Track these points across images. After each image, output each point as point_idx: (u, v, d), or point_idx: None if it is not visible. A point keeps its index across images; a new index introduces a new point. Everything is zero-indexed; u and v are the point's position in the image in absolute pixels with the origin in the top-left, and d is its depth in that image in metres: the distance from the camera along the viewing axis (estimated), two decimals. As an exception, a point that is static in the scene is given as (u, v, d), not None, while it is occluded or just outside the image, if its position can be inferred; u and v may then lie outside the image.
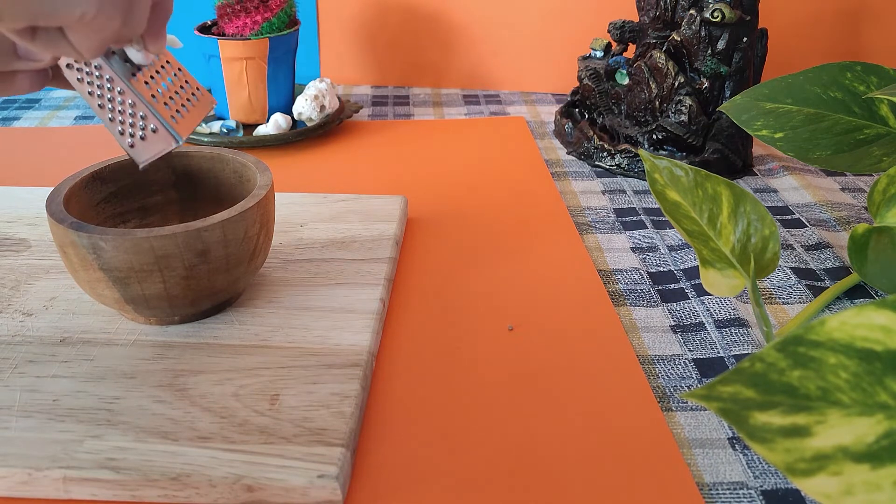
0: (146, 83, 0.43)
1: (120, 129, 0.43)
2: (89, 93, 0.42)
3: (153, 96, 0.43)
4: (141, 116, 0.43)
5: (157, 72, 0.44)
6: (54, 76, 0.42)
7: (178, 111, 0.44)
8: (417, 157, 0.76)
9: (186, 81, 0.46)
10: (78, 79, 0.42)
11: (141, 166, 0.43)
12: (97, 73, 0.42)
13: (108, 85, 0.42)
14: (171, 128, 0.43)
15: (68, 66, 0.42)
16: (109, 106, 0.43)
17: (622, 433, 0.41)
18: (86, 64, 0.42)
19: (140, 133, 0.43)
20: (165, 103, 0.44)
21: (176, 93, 0.45)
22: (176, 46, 0.45)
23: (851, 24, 0.93)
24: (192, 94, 0.46)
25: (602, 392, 0.44)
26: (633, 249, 0.60)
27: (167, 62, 0.45)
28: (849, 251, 0.51)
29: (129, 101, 0.42)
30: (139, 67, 0.43)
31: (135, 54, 0.42)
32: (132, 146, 0.44)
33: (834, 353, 0.28)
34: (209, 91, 0.50)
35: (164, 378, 0.43)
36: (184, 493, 0.36)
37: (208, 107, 0.47)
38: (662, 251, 0.60)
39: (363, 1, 0.97)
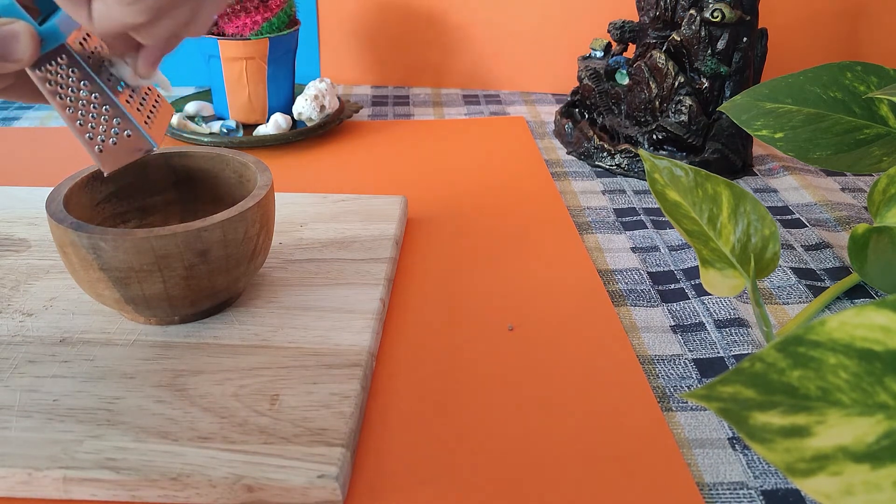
0: (119, 88, 0.44)
1: (90, 134, 0.43)
2: (59, 97, 0.42)
3: (127, 101, 0.44)
4: (116, 122, 0.43)
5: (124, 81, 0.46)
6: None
7: (148, 117, 0.45)
8: (417, 157, 0.76)
9: (148, 89, 0.48)
10: (49, 83, 0.42)
11: (107, 172, 0.43)
12: (72, 79, 0.42)
13: (84, 91, 0.42)
14: (146, 133, 0.44)
15: (39, 70, 0.42)
16: (82, 111, 0.43)
17: (622, 433, 0.41)
18: (60, 67, 0.42)
19: (113, 139, 0.44)
20: (138, 108, 0.45)
21: (143, 98, 0.46)
22: (166, 90, 0.47)
23: (851, 24, 0.93)
24: (156, 100, 0.48)
25: (602, 392, 0.44)
26: (633, 249, 0.60)
27: None
28: (849, 251, 0.51)
29: (106, 107, 0.43)
30: (118, 81, 0.44)
31: (125, 72, 0.43)
32: (101, 151, 0.44)
33: (834, 353, 0.28)
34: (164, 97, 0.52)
35: (164, 378, 0.43)
36: (184, 494, 0.36)
37: (169, 115, 0.49)
38: (662, 251, 0.60)
39: (363, 1, 0.97)
